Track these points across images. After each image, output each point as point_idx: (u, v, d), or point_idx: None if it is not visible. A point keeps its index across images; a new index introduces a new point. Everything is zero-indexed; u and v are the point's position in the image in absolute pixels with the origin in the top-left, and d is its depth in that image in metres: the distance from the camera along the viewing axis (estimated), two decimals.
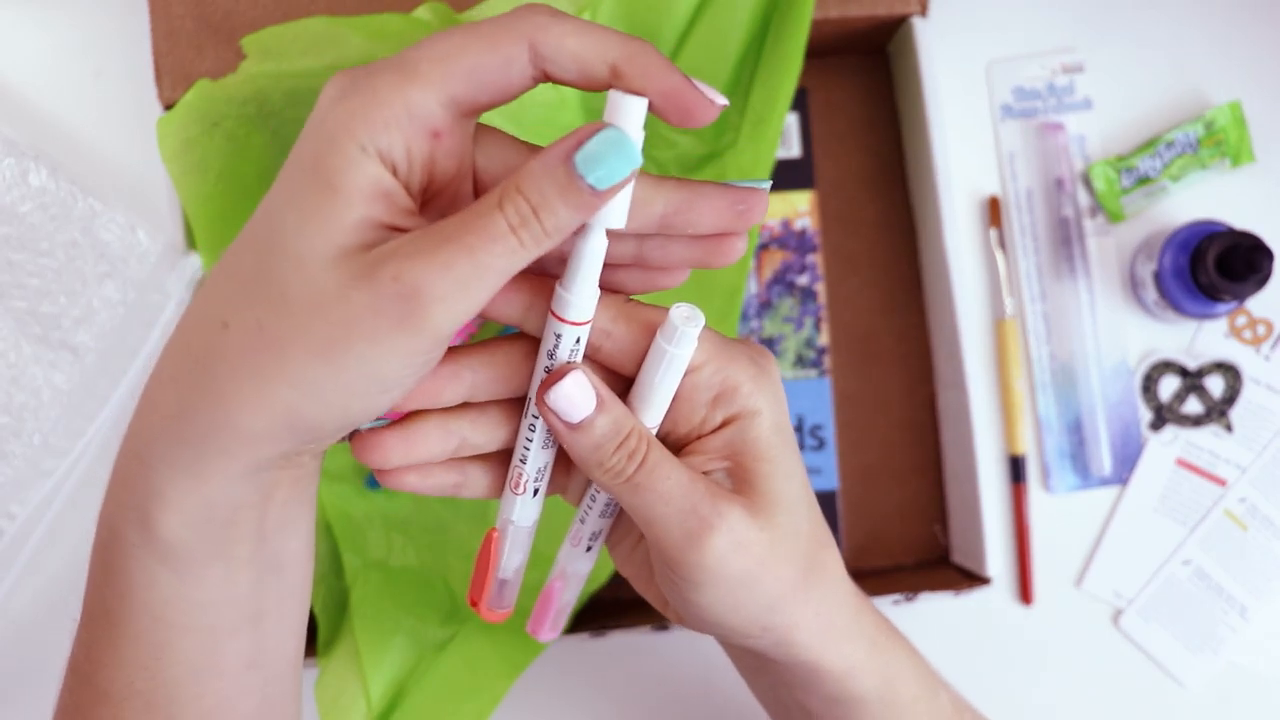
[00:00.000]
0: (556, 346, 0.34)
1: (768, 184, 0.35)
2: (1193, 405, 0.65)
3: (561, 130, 0.62)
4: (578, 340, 0.34)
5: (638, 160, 0.30)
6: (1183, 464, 0.65)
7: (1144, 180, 0.66)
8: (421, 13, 0.56)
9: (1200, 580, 0.65)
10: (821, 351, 0.65)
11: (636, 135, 0.31)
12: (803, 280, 0.65)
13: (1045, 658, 0.65)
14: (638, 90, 0.31)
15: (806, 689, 0.41)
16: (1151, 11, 0.67)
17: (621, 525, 0.41)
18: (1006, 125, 0.67)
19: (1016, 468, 0.65)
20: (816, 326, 0.65)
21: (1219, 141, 0.66)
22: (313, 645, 0.59)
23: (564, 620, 0.43)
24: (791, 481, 0.37)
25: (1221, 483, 0.65)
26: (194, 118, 0.56)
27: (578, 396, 0.34)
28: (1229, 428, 0.65)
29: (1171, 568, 0.65)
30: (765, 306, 0.65)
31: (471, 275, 0.29)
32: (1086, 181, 0.66)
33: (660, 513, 0.35)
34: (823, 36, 0.61)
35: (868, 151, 0.67)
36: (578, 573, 0.41)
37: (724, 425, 0.36)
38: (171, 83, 0.59)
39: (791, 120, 0.66)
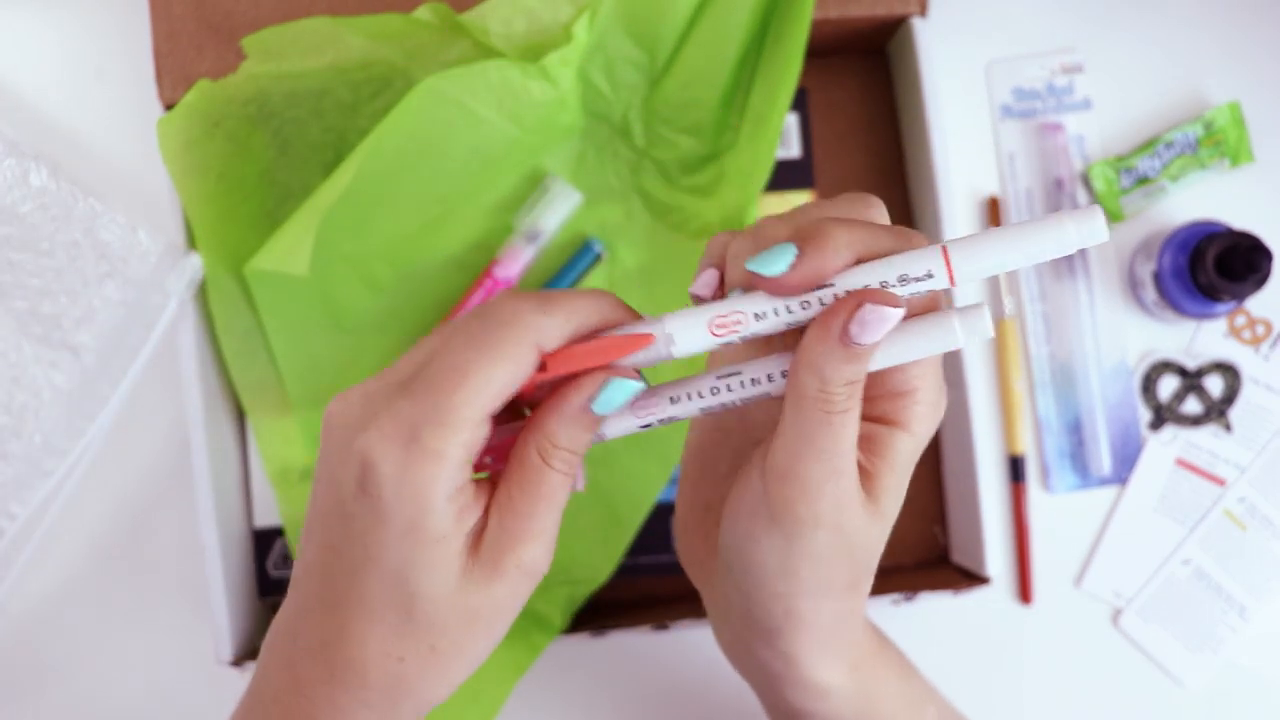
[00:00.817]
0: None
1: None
2: (1192, 405, 0.65)
3: (560, 130, 0.62)
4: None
5: (630, 387, 0.35)
6: (1182, 464, 0.65)
7: (1143, 180, 0.66)
8: (422, 13, 0.56)
9: (1200, 580, 0.65)
10: None
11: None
12: None
13: (1045, 658, 0.65)
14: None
15: (781, 689, 0.41)
16: (1151, 12, 0.68)
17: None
18: (1006, 125, 0.67)
19: (1016, 467, 0.65)
20: None
21: (1218, 142, 0.66)
22: None
23: None
24: (894, 504, 0.37)
25: (1221, 482, 0.65)
26: (195, 118, 0.56)
27: (886, 328, 0.33)
28: (1228, 428, 0.65)
29: (1171, 567, 0.65)
30: None
31: (556, 524, 0.36)
32: (1086, 182, 0.67)
33: (818, 454, 0.34)
34: (823, 36, 0.61)
35: (868, 151, 0.67)
36: (602, 438, 0.38)
37: (878, 419, 0.36)
38: (172, 83, 0.59)
39: (791, 120, 0.66)
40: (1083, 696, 0.65)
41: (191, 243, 0.60)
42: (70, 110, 0.66)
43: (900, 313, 0.33)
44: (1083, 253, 0.66)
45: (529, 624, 0.61)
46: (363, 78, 0.58)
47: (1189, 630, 0.65)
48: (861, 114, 0.67)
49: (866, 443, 0.36)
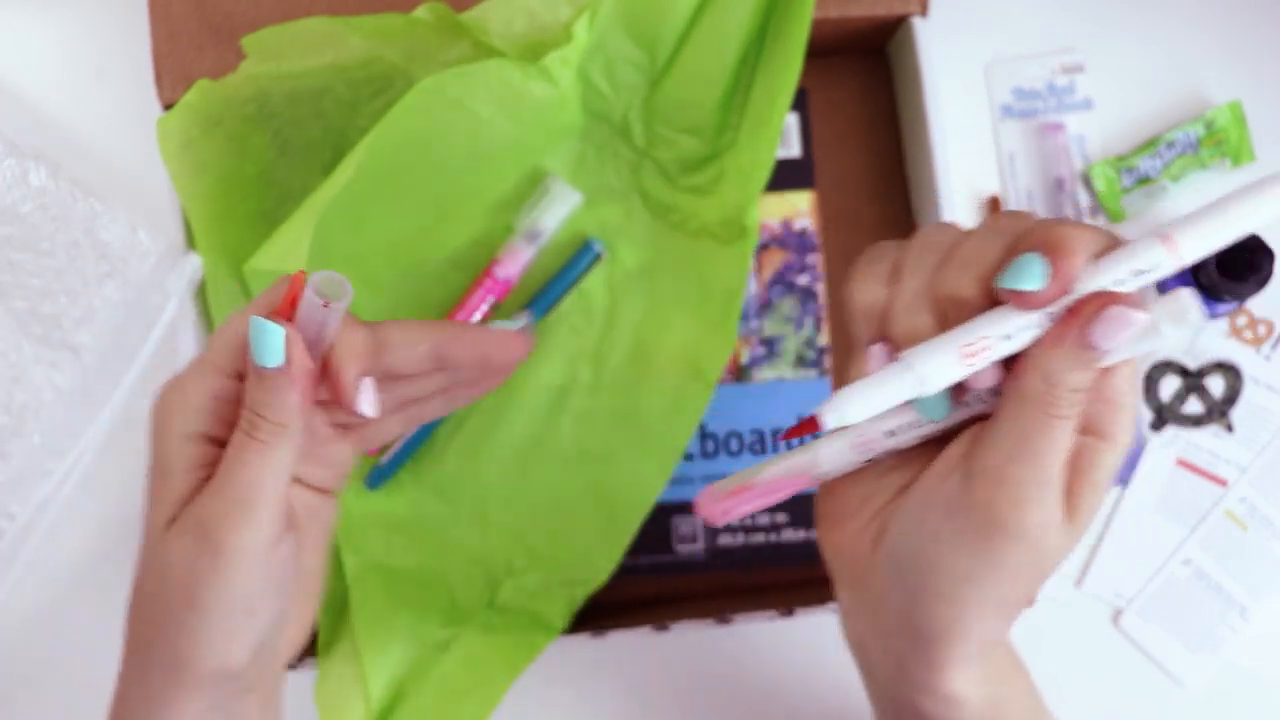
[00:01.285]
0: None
1: (523, 324, 0.38)
2: (1193, 405, 0.65)
3: (560, 130, 0.62)
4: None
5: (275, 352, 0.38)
6: (1183, 464, 0.65)
7: (1144, 180, 0.66)
8: (421, 13, 0.56)
9: (1200, 580, 0.65)
10: (821, 351, 0.65)
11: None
12: (803, 280, 0.65)
13: (1045, 658, 0.65)
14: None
15: (911, 693, 0.40)
16: (1152, 12, 0.67)
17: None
18: (1006, 125, 0.67)
19: None
20: (816, 326, 0.65)
21: (1219, 141, 0.66)
22: (312, 646, 0.59)
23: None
24: (1091, 517, 0.36)
25: (1222, 483, 0.65)
26: (194, 118, 0.56)
27: (1127, 335, 0.33)
28: (1229, 428, 0.65)
29: (1171, 568, 0.65)
30: (765, 306, 0.65)
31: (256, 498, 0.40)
32: (1087, 182, 0.66)
33: (1032, 459, 0.34)
34: (823, 36, 0.61)
35: (868, 151, 0.67)
36: (825, 476, 0.38)
37: (1084, 430, 0.35)
38: (172, 83, 0.59)
39: (791, 120, 0.66)
40: (1083, 696, 0.65)
41: (191, 243, 0.60)
42: (70, 110, 0.66)
43: (1143, 319, 0.32)
44: None
45: (529, 624, 0.60)
46: (363, 77, 0.58)
47: (1189, 630, 0.65)
48: (861, 114, 0.67)
49: (1072, 457, 0.35)
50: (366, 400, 0.40)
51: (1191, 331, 0.33)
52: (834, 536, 0.40)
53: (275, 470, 0.38)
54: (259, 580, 0.39)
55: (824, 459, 0.38)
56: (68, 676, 0.64)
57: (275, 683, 0.45)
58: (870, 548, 0.39)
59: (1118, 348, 0.33)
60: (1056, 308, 0.34)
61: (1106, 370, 0.34)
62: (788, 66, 0.58)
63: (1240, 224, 0.33)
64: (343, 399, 0.40)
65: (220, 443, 0.40)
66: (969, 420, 0.37)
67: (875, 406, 0.33)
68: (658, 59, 0.61)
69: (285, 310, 0.38)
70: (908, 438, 0.37)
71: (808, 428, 0.33)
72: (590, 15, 0.56)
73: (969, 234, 0.36)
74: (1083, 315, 0.33)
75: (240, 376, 0.40)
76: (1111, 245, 0.34)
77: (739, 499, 0.38)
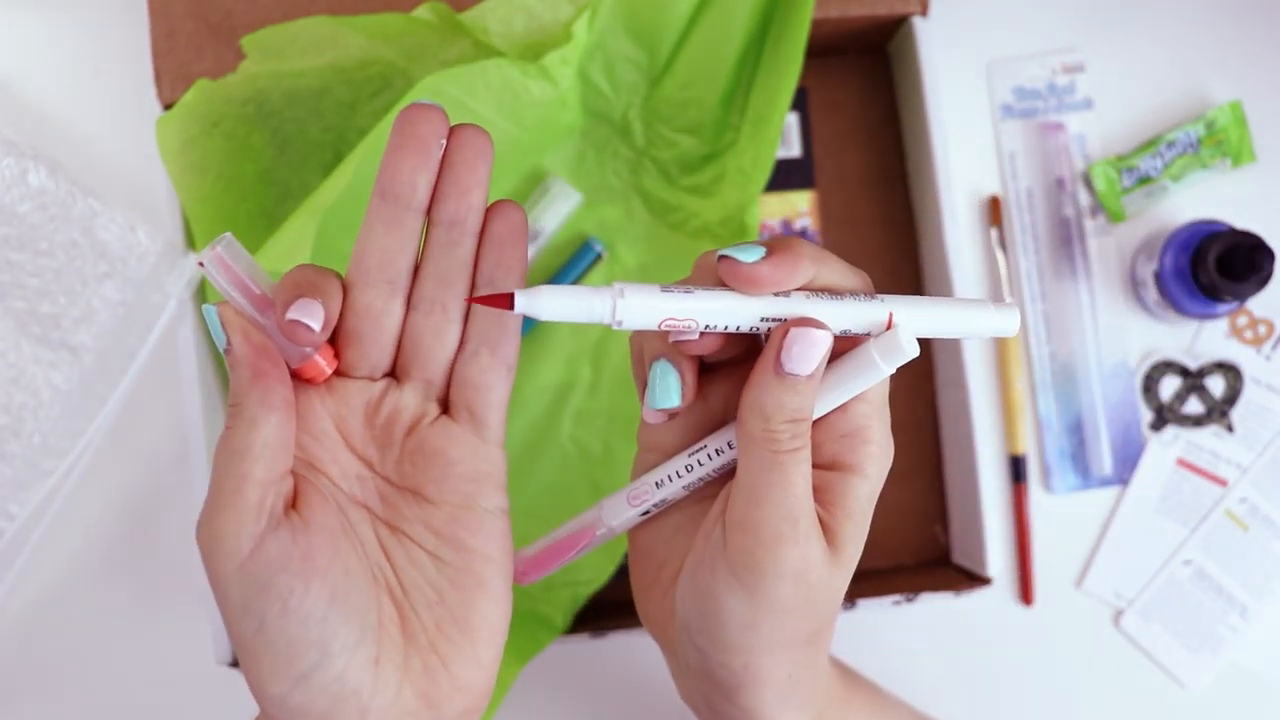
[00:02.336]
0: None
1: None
2: (1193, 405, 0.65)
3: (560, 129, 0.61)
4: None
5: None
6: (1183, 464, 0.65)
7: (1145, 180, 0.66)
8: (422, 12, 0.55)
9: (1201, 580, 0.65)
10: None
11: None
12: None
13: (1045, 658, 0.65)
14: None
15: None
16: (1152, 11, 0.67)
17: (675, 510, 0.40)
18: (1007, 125, 0.67)
19: (1017, 468, 0.65)
20: None
21: (1220, 141, 0.66)
22: None
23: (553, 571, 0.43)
24: (855, 550, 0.37)
25: (1222, 483, 0.65)
26: (193, 118, 0.56)
27: (816, 353, 0.34)
28: (1230, 428, 0.65)
29: (1172, 568, 0.65)
30: None
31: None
32: (1087, 181, 0.66)
33: (772, 499, 0.34)
34: (823, 36, 0.61)
35: (868, 151, 0.67)
36: (613, 531, 0.40)
37: (831, 465, 0.36)
38: (171, 83, 0.59)
39: (791, 120, 0.66)
40: (1083, 697, 0.65)
41: (190, 242, 0.60)
42: (69, 109, 0.66)
43: (827, 336, 0.34)
44: (1084, 253, 0.66)
45: (531, 624, 0.60)
46: (362, 77, 0.58)
47: (1190, 631, 0.64)
48: (862, 113, 0.67)
49: (821, 493, 0.36)
50: (300, 310, 0.34)
51: (907, 359, 0.34)
52: (643, 605, 0.41)
53: (239, 454, 0.33)
54: (247, 586, 0.33)
55: (606, 513, 0.40)
56: (68, 676, 0.64)
57: None
58: (670, 613, 0.39)
59: (807, 368, 0.34)
60: (763, 316, 0.34)
61: (843, 407, 0.35)
62: (788, 66, 0.58)
63: (950, 326, 0.35)
64: (280, 325, 0.35)
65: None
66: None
67: (566, 310, 0.33)
68: (658, 58, 0.60)
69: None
70: (674, 489, 0.38)
71: (500, 301, 0.33)
72: (590, 15, 0.56)
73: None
74: (773, 344, 0.34)
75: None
76: (851, 287, 0.35)
77: (538, 560, 0.41)
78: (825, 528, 0.36)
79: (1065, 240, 0.66)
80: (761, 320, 0.34)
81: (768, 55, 0.60)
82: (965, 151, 0.66)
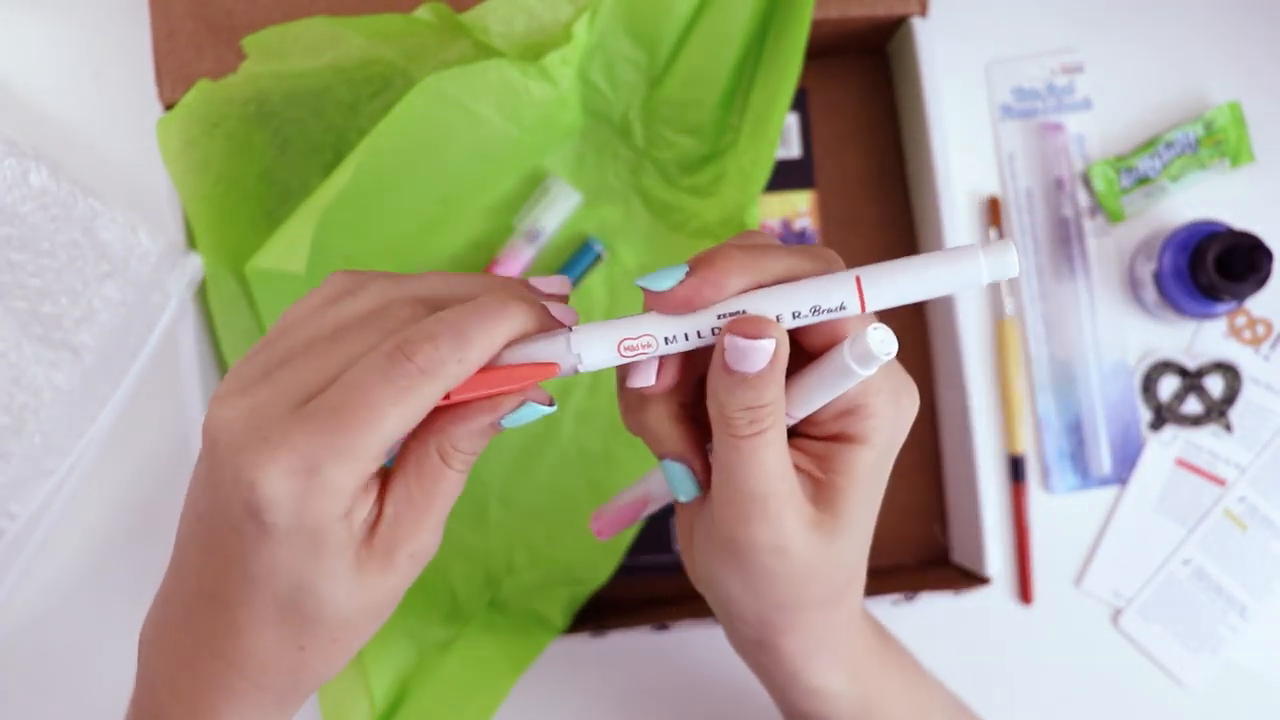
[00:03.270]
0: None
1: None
2: (1192, 405, 0.65)
3: (560, 130, 0.62)
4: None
5: (540, 411, 0.36)
6: (1182, 464, 0.65)
7: (1144, 180, 0.66)
8: (422, 13, 0.56)
9: (1200, 580, 0.65)
10: None
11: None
12: None
13: (1045, 658, 0.65)
14: None
15: (784, 692, 0.42)
16: (1152, 12, 0.67)
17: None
18: (1006, 125, 0.67)
19: (1016, 467, 0.65)
20: None
21: (1218, 142, 0.66)
22: None
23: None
24: (863, 515, 0.37)
25: (1221, 483, 0.65)
26: (194, 118, 0.56)
27: (757, 355, 0.34)
28: (1228, 428, 0.65)
29: (1171, 567, 0.65)
30: None
31: (445, 513, 0.36)
32: (1086, 181, 0.66)
33: (737, 479, 0.35)
34: (823, 36, 0.61)
35: (868, 151, 0.67)
36: (658, 499, 0.42)
37: (835, 437, 0.36)
38: (172, 83, 0.59)
39: (791, 120, 0.66)
40: (1083, 697, 0.65)
41: (191, 242, 0.60)
42: (70, 110, 0.66)
43: (763, 344, 0.33)
44: (1083, 253, 0.66)
45: (530, 623, 0.61)
46: (363, 77, 0.58)
47: (1189, 630, 0.65)
48: (861, 114, 0.67)
49: (824, 460, 0.36)
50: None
51: (887, 357, 0.33)
52: (689, 571, 0.42)
53: (456, 496, 0.36)
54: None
55: (653, 486, 0.42)
56: (68, 676, 0.64)
57: None
58: (696, 574, 0.41)
59: (753, 366, 0.34)
60: (719, 314, 0.34)
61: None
62: (788, 67, 0.58)
63: (931, 284, 0.34)
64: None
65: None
66: None
67: (523, 357, 0.35)
68: (658, 59, 0.61)
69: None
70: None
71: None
72: (590, 15, 0.56)
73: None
74: (720, 343, 0.34)
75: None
76: (806, 272, 0.35)
77: (608, 520, 0.43)
78: (824, 496, 0.36)
79: (1064, 240, 0.66)
80: (719, 317, 0.35)
81: (768, 56, 0.60)
82: (964, 152, 0.66)
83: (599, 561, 0.62)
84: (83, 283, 0.61)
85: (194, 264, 0.60)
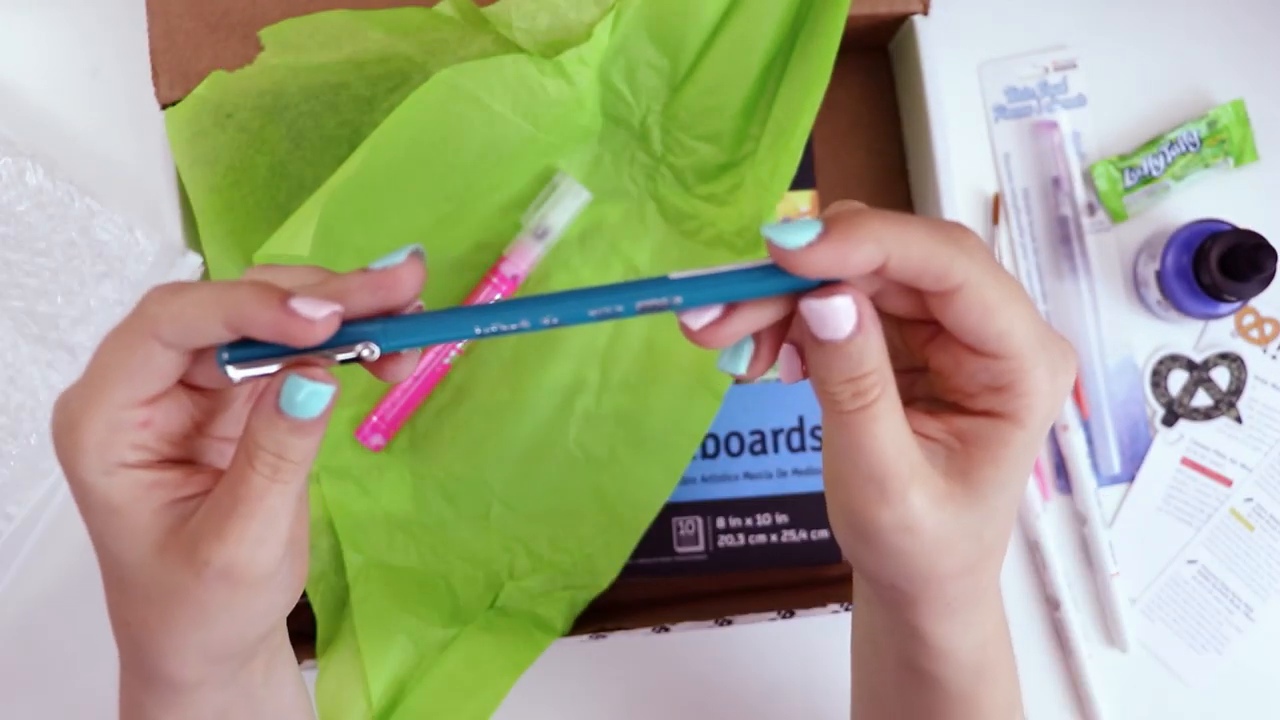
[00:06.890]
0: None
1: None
2: (1202, 398, 0.65)
3: (577, 131, 0.61)
4: None
5: (324, 389, 0.33)
6: (1187, 463, 0.65)
7: (1147, 179, 0.66)
8: (444, 7, 0.55)
9: (1205, 580, 0.65)
10: None
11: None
12: None
13: (1045, 657, 0.65)
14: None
15: (904, 640, 0.40)
16: (1151, 9, 0.67)
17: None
18: (1000, 126, 0.67)
19: None
20: None
21: (1222, 140, 0.66)
22: (312, 644, 0.58)
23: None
24: (1006, 495, 0.35)
25: (1227, 482, 0.65)
26: (206, 109, 0.56)
27: (840, 316, 0.32)
28: (1239, 419, 0.65)
29: (1176, 567, 0.65)
30: None
31: (266, 529, 0.34)
32: (1089, 180, 0.66)
33: (851, 459, 0.34)
34: None
35: (869, 150, 0.67)
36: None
37: (984, 413, 0.34)
38: (169, 81, 0.59)
39: None
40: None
41: (190, 241, 0.60)
42: (67, 109, 0.66)
43: (838, 302, 0.32)
44: (1083, 252, 0.66)
45: (530, 626, 0.60)
46: (380, 72, 0.57)
47: (1194, 630, 0.64)
48: (863, 112, 0.67)
49: (969, 436, 0.34)
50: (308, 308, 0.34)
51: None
52: (830, 506, 0.40)
53: (293, 502, 0.35)
54: (272, 594, 0.36)
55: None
56: (66, 676, 0.64)
57: (280, 638, 0.43)
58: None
59: (839, 332, 0.32)
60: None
61: (991, 359, 0.33)
62: (815, 78, 0.56)
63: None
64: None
65: (158, 458, 0.35)
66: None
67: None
68: (680, 65, 0.60)
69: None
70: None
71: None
72: (614, 17, 0.56)
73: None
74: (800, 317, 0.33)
75: (147, 402, 0.35)
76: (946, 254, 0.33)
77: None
78: (959, 468, 0.34)
79: (1064, 239, 0.66)
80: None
81: (794, 67, 0.59)
82: (963, 152, 0.66)
83: (601, 567, 0.61)
84: (79, 282, 0.61)
85: (192, 263, 0.59)
